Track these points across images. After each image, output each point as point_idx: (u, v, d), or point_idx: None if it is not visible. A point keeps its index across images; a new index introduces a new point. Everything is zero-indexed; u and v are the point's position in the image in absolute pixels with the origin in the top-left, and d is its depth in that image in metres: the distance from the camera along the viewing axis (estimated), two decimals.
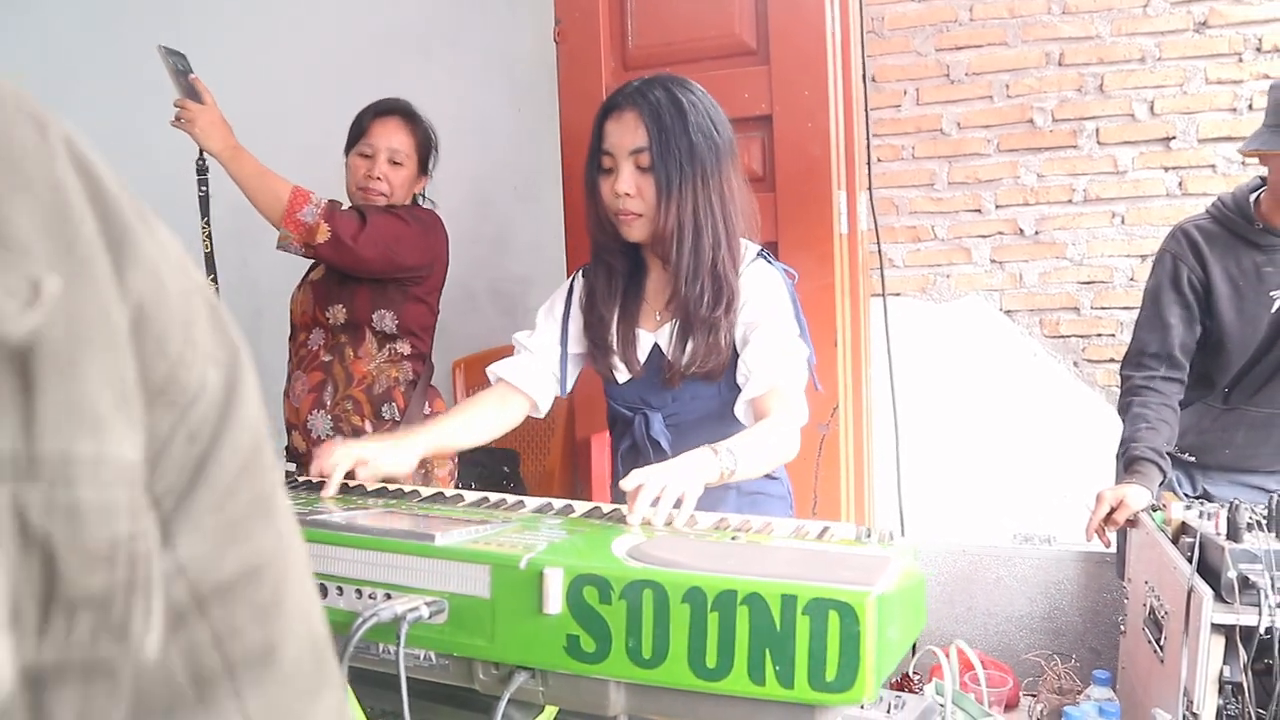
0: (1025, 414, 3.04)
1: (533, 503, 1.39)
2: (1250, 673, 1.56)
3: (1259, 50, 2.80)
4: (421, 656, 1.05)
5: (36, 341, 0.28)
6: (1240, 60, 2.81)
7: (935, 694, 1.58)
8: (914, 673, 2.24)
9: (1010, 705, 2.52)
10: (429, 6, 3.73)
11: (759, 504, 1.76)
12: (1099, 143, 2.93)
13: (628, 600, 0.93)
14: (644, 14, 2.64)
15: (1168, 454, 2.11)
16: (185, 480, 0.34)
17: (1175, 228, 2.25)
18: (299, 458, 2.44)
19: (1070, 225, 2.98)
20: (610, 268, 1.75)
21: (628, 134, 1.62)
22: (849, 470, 2.67)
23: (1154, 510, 1.97)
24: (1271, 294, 2.13)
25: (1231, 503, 1.69)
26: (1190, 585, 1.59)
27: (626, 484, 1.30)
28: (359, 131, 2.43)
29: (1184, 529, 1.82)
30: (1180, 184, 2.87)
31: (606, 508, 1.36)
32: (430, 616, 1.01)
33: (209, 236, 2.26)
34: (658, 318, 1.73)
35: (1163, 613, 1.76)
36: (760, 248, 1.73)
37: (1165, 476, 2.09)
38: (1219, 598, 1.58)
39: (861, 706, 1.24)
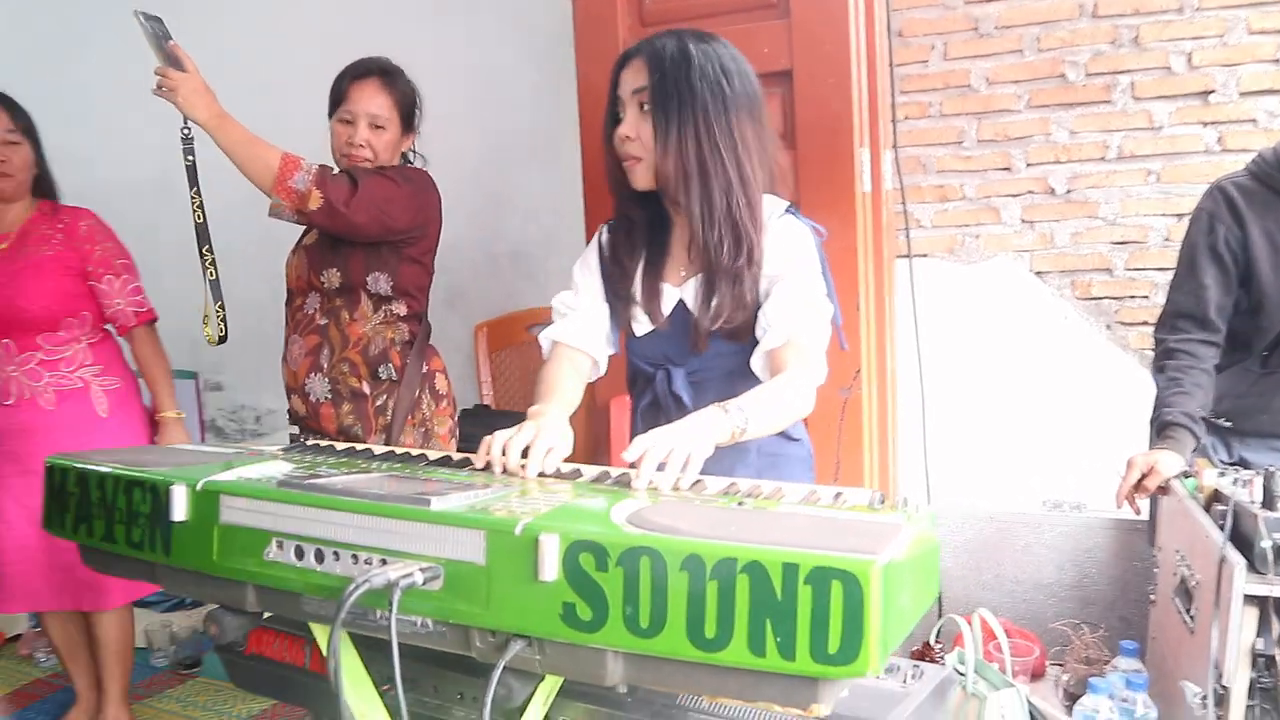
0: (1056, 378, 2.97)
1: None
2: None
3: None
4: (419, 623, 1.02)
5: None
6: None
7: (957, 663, 1.54)
8: (936, 641, 2.20)
9: (1036, 675, 2.48)
10: None
11: (779, 465, 1.73)
12: (1134, 97, 2.83)
13: (624, 568, 0.89)
14: None
15: (1202, 419, 2.06)
16: None
17: (1212, 185, 2.17)
18: (300, 420, 2.46)
19: (1103, 183, 2.89)
20: (630, 221, 1.73)
21: (632, 77, 1.61)
22: (872, 435, 2.62)
23: (1186, 477, 1.92)
24: None
25: (1268, 470, 1.63)
26: (1222, 554, 1.54)
27: (629, 454, 1.27)
28: (338, 96, 2.40)
29: (1217, 496, 1.77)
30: (1219, 140, 2.77)
31: (615, 472, 1.32)
32: (425, 583, 0.98)
33: (200, 207, 2.22)
34: (682, 273, 1.70)
35: (1194, 582, 1.71)
36: (790, 204, 1.69)
37: (1199, 442, 2.03)
38: (1252, 568, 1.53)
39: (879, 677, 1.21)
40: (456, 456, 1.46)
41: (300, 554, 1.07)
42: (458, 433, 2.57)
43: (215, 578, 1.15)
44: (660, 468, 1.25)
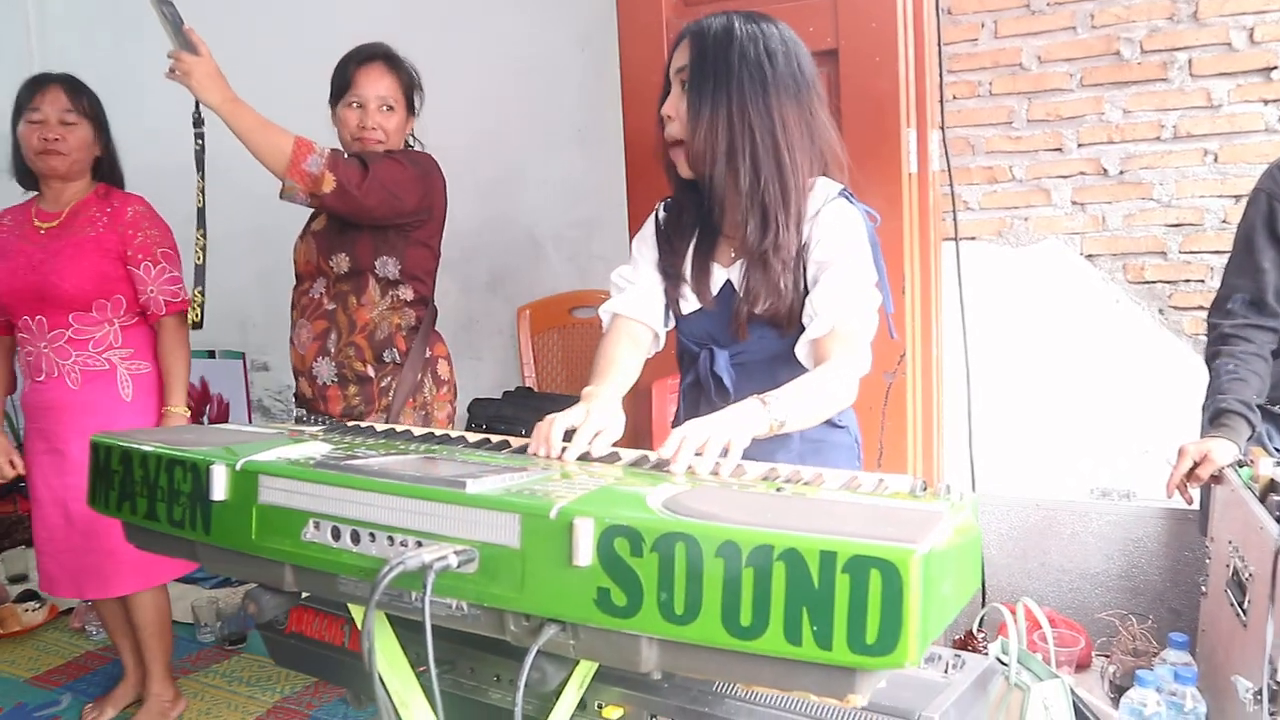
0: (1106, 363, 2.91)
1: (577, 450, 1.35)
2: None
3: None
4: (454, 606, 1.02)
5: None
6: None
7: (1000, 653, 1.51)
8: (979, 630, 2.17)
9: (1082, 665, 2.44)
10: None
11: (823, 452, 1.71)
12: (1191, 75, 2.75)
13: (660, 553, 0.88)
14: None
15: (1258, 406, 2.00)
16: None
17: (1272, 165, 2.11)
18: (307, 403, 2.51)
19: (1158, 164, 2.82)
20: (680, 203, 1.73)
21: (679, 56, 1.60)
22: (916, 421, 2.59)
23: (1241, 466, 1.87)
24: None
25: None
26: (1278, 546, 1.49)
27: (665, 449, 1.25)
28: (344, 83, 2.44)
29: (1273, 486, 1.72)
30: None
31: (654, 456, 1.31)
32: (459, 566, 0.97)
33: (202, 191, 2.27)
34: (732, 254, 1.69)
35: (1247, 574, 1.66)
36: (843, 187, 1.65)
37: (1254, 430, 1.98)
38: None
39: (920, 668, 1.19)
40: (495, 439, 1.45)
41: (337, 535, 1.07)
42: (454, 419, 2.62)
43: (254, 557, 1.15)
44: (698, 455, 1.24)
